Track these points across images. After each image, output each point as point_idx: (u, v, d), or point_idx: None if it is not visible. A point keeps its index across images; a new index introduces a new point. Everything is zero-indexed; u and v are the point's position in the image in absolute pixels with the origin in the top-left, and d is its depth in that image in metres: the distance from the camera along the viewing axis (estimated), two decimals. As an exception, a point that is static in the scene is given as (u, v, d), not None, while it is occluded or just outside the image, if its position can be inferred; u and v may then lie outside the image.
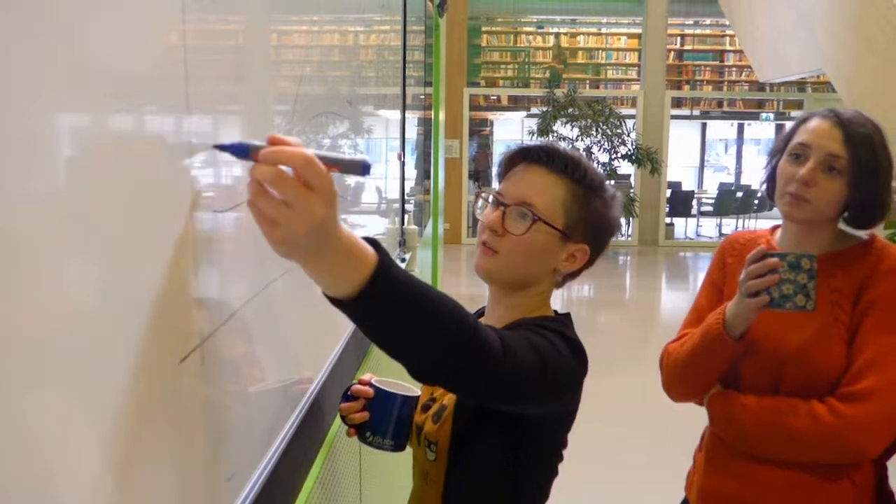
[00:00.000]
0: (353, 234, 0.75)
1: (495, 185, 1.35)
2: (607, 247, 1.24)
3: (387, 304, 0.79)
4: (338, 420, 1.43)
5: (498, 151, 12.60)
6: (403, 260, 2.58)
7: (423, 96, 3.81)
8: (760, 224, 11.02)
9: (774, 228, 1.58)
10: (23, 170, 0.47)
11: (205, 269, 0.76)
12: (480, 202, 1.23)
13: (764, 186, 1.54)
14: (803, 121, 1.47)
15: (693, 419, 1.73)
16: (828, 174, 1.40)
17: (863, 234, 1.49)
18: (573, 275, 1.23)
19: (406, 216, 2.89)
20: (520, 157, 1.20)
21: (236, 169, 0.89)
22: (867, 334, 1.38)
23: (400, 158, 2.71)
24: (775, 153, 1.51)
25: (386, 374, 1.31)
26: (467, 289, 7.50)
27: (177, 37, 0.70)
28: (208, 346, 0.77)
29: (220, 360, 0.82)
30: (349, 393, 1.27)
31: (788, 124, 1.49)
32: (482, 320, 1.21)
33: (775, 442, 1.41)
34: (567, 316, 1.21)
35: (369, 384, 1.26)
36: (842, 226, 1.49)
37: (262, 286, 0.98)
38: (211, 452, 0.81)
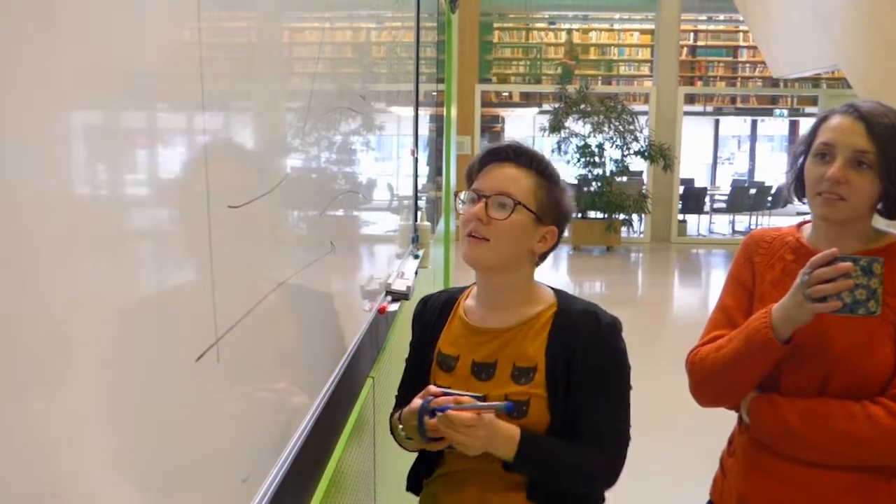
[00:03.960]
0: (506, 426, 1.27)
1: None
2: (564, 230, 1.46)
3: (535, 460, 1.30)
4: (351, 422, 1.42)
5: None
6: (417, 256, 2.57)
7: (434, 93, 3.80)
8: (774, 221, 10.94)
9: (801, 225, 1.55)
10: (39, 168, 0.47)
11: (220, 266, 0.76)
12: (460, 202, 1.40)
13: (791, 188, 1.51)
14: (823, 119, 1.44)
15: (706, 416, 1.71)
16: (858, 169, 1.37)
17: (894, 230, 1.46)
18: (544, 255, 1.41)
19: (419, 213, 2.88)
20: (490, 157, 1.39)
21: (250, 165, 0.88)
22: None
23: (413, 154, 2.70)
24: (799, 154, 1.48)
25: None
26: (479, 285, 7.48)
27: (193, 35, 0.69)
28: (224, 344, 0.76)
29: (236, 358, 0.81)
30: (432, 408, 1.25)
31: (802, 120, 1.47)
32: (471, 299, 1.45)
33: (830, 446, 1.36)
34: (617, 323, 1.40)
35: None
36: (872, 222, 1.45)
37: (278, 284, 0.97)
38: (226, 453, 0.81)
